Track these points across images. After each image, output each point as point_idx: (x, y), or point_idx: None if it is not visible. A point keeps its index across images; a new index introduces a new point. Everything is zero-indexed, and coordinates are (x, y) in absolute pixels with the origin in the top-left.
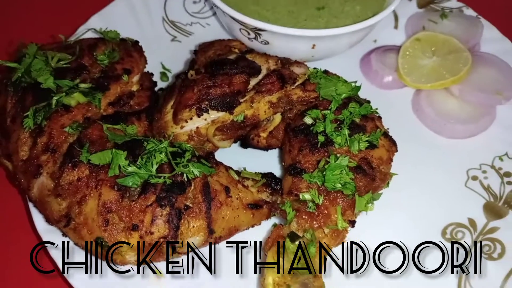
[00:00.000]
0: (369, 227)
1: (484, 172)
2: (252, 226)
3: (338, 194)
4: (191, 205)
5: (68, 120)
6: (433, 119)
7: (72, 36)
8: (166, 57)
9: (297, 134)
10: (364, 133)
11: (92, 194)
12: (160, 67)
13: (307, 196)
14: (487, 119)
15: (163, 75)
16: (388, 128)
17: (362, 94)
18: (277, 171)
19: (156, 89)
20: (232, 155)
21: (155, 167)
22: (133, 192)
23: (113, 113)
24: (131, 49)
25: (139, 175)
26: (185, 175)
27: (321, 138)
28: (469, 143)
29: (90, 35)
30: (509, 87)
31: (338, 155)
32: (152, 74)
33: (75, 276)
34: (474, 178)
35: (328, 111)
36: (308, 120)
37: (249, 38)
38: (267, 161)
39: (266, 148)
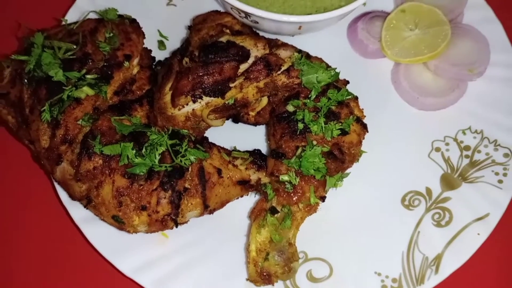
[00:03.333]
0: (336, 193)
1: (447, 144)
2: (242, 196)
3: (312, 177)
4: (189, 186)
5: (80, 112)
6: (408, 92)
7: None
8: (162, 23)
9: (280, 121)
10: (338, 120)
11: (106, 181)
12: (157, 35)
13: (286, 178)
14: (457, 93)
15: (161, 44)
16: (363, 109)
17: (346, 62)
18: (264, 144)
19: (154, 63)
20: (225, 131)
21: (158, 157)
22: (141, 179)
23: (118, 102)
24: (129, 30)
25: (145, 164)
26: (183, 162)
27: (300, 126)
28: (438, 116)
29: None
30: (482, 63)
31: (314, 142)
32: (150, 51)
33: (96, 235)
34: (437, 149)
35: (308, 100)
36: (290, 108)
37: (239, 16)
38: (256, 135)
39: (255, 124)
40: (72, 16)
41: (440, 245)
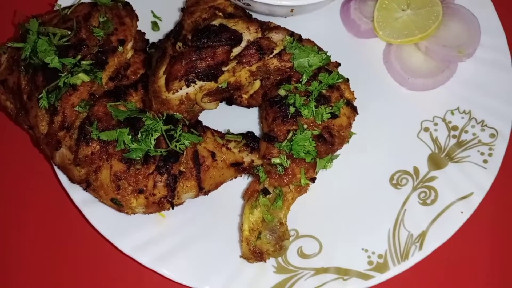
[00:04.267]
0: (326, 173)
1: (436, 124)
2: (235, 178)
3: (303, 159)
4: (184, 170)
5: (76, 99)
6: (399, 72)
7: None
8: (155, 4)
9: (272, 105)
10: (328, 103)
11: (104, 165)
12: (150, 15)
13: (277, 161)
14: (447, 74)
15: (154, 25)
16: (353, 91)
17: (339, 42)
18: (257, 126)
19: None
20: (218, 113)
21: (153, 142)
22: (137, 163)
23: (113, 87)
24: (123, 14)
25: (141, 149)
26: (177, 147)
27: (291, 110)
28: (428, 96)
29: None
30: (472, 45)
31: (305, 126)
32: (144, 34)
33: (96, 216)
34: (426, 129)
35: (299, 84)
36: (282, 92)
37: None
38: (249, 118)
39: (248, 106)
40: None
41: (425, 223)
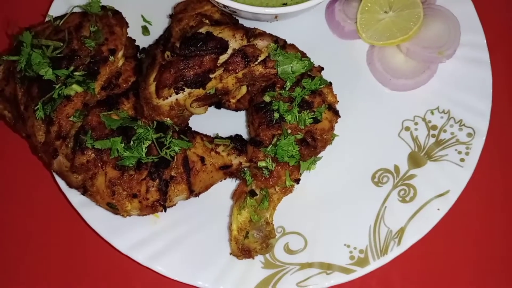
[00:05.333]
0: (311, 172)
1: (416, 123)
2: (225, 179)
3: (287, 163)
4: (175, 175)
5: (71, 109)
6: (381, 73)
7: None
8: (145, 8)
9: (258, 111)
10: (311, 109)
11: (99, 172)
12: (140, 20)
13: (263, 164)
14: (427, 74)
15: (145, 30)
16: (336, 94)
17: (324, 42)
18: (244, 128)
19: (139, 52)
20: (208, 117)
21: (145, 150)
22: (130, 169)
23: (105, 97)
24: (113, 23)
25: (133, 157)
26: (168, 154)
27: (276, 115)
28: (410, 96)
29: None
30: (451, 46)
31: (289, 130)
32: (134, 40)
33: (93, 217)
34: (407, 128)
35: (283, 91)
36: (267, 98)
37: (218, 5)
38: (237, 120)
39: (236, 110)
40: (57, 6)
41: (404, 219)
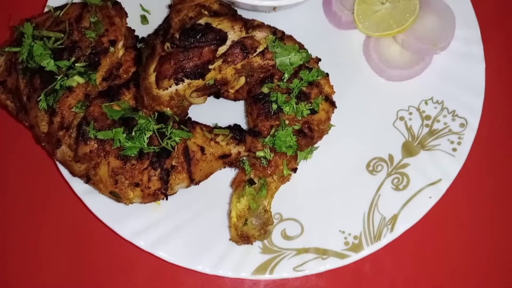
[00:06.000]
0: (308, 161)
1: (410, 113)
2: (224, 167)
3: (284, 153)
4: (176, 164)
5: (73, 100)
6: (377, 64)
7: None
8: None
9: (256, 102)
10: (308, 100)
11: (102, 162)
12: (139, 9)
13: (261, 154)
14: (422, 65)
15: (143, 19)
16: (333, 85)
17: (321, 33)
18: (243, 118)
19: (138, 42)
20: (207, 106)
21: (146, 141)
22: (132, 159)
23: (107, 88)
24: (112, 14)
25: (135, 147)
26: (169, 144)
27: (274, 106)
28: (404, 86)
29: None
30: (446, 39)
31: (286, 121)
32: (134, 30)
33: (96, 204)
34: (401, 118)
35: (281, 82)
36: (265, 90)
37: None
38: (236, 110)
39: (234, 99)
40: None
41: (397, 207)
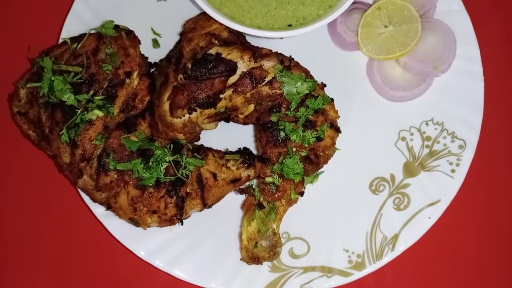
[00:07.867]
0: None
1: (412, 134)
2: (235, 190)
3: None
4: (190, 191)
5: (93, 132)
6: (379, 85)
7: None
8: (154, 20)
9: (265, 130)
10: (314, 128)
11: (122, 191)
12: (150, 33)
13: (270, 180)
14: (424, 86)
15: (155, 42)
16: (337, 110)
17: (326, 53)
18: (252, 141)
19: (151, 66)
20: (218, 130)
21: (163, 171)
22: (150, 188)
23: (124, 119)
24: (127, 44)
25: (152, 177)
26: (184, 174)
27: (282, 135)
28: (406, 107)
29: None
30: (446, 60)
31: (294, 149)
32: (146, 58)
33: (115, 227)
34: (403, 139)
35: (289, 111)
36: (273, 118)
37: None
38: (245, 133)
39: (244, 124)
40: (69, 25)
41: (398, 226)
